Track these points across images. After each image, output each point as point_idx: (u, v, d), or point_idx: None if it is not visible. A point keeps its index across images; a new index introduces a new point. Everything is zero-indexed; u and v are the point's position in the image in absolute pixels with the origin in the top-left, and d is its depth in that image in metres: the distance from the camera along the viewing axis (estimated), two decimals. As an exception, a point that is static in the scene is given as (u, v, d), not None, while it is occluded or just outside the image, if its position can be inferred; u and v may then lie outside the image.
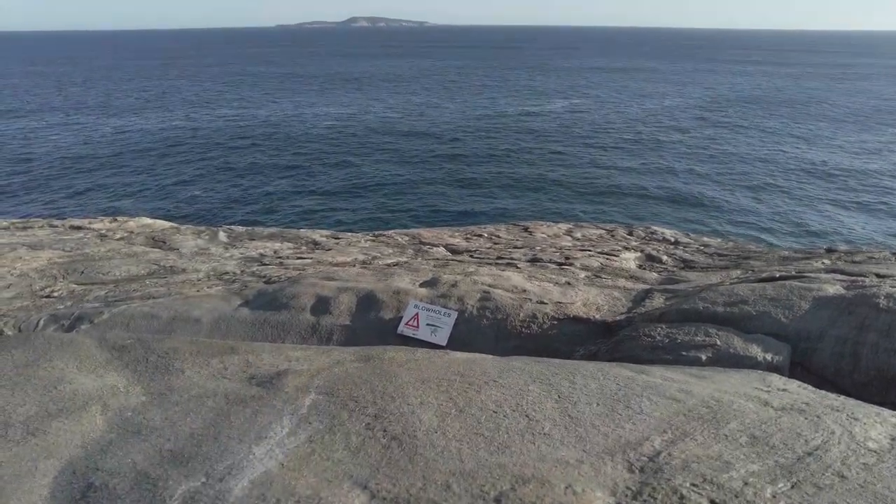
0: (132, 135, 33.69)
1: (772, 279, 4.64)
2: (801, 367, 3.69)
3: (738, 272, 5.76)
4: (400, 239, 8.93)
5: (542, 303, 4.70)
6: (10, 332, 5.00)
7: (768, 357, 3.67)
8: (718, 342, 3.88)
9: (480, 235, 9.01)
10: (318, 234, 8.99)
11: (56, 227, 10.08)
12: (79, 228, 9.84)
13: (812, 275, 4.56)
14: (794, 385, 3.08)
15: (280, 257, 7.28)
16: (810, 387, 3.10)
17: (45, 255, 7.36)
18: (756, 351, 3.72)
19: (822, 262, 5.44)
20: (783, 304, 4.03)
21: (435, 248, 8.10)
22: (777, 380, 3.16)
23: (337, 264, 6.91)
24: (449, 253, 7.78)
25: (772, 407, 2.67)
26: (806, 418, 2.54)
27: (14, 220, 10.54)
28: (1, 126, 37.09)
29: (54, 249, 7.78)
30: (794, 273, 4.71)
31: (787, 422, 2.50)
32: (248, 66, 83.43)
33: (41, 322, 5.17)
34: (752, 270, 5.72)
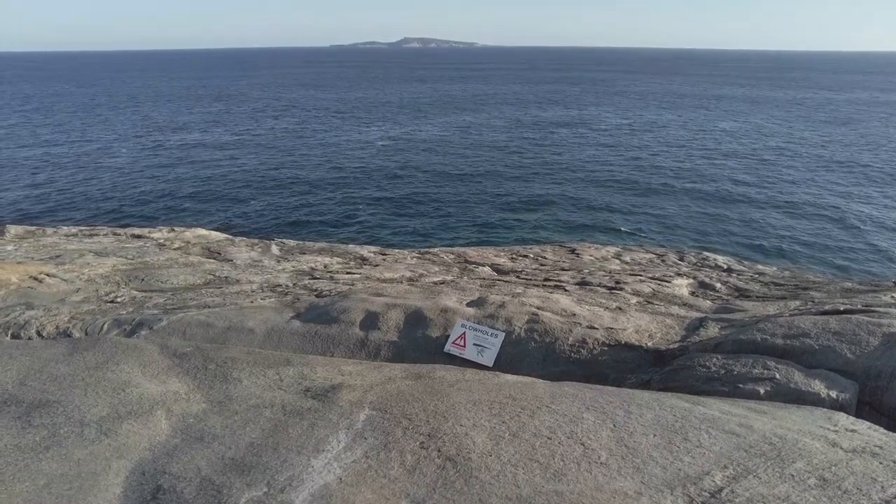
0: (193, 149, 35.26)
1: (836, 312, 4.46)
2: (869, 407, 3.51)
3: (797, 303, 5.55)
4: (445, 257, 8.99)
5: (592, 327, 4.64)
6: (77, 334, 5.28)
7: (833, 394, 3.51)
8: (778, 376, 3.74)
9: (526, 256, 8.98)
10: (366, 250, 9.14)
11: (119, 235, 10.60)
12: (139, 237, 10.32)
13: (881, 309, 4.35)
14: (863, 426, 2.94)
15: (330, 271, 7.43)
16: (881, 429, 2.95)
17: (109, 262, 7.74)
18: (819, 387, 3.57)
19: (893, 297, 5.18)
20: (849, 339, 3.86)
21: (480, 268, 8.12)
22: (844, 419, 3.02)
23: (385, 280, 7.01)
24: (495, 273, 7.78)
25: (841, 448, 2.55)
26: (881, 463, 2.42)
27: (82, 227, 11.15)
28: (76, 137, 39.46)
29: (118, 257, 8.18)
30: (860, 307, 4.50)
31: (859, 465, 2.39)
32: (303, 87, 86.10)
33: (105, 326, 5.43)
34: (813, 302, 5.50)
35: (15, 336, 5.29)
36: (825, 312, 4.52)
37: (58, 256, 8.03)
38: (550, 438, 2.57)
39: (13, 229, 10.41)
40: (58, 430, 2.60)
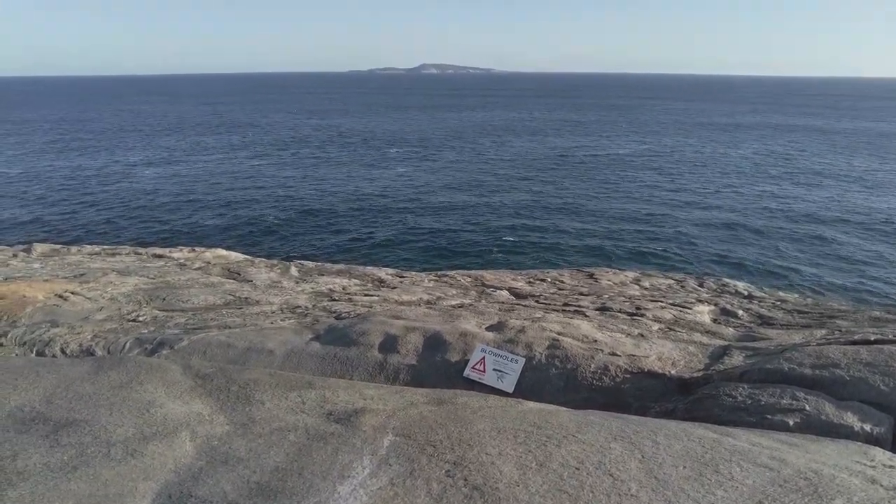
0: (214, 172, 35.93)
1: (866, 342, 4.36)
2: (905, 442, 3.40)
3: (824, 332, 5.44)
4: (463, 280, 8.98)
5: (614, 354, 4.58)
6: (100, 352, 5.33)
7: (867, 427, 3.41)
8: (808, 407, 3.65)
9: (544, 280, 8.94)
10: (384, 272, 9.17)
11: (140, 254, 10.76)
12: (160, 257, 10.46)
13: (913, 340, 4.25)
14: (901, 462, 2.85)
15: (349, 293, 7.46)
16: (920, 465, 2.86)
17: (131, 281, 7.84)
18: (852, 420, 3.47)
19: (922, 327, 5.06)
20: (882, 370, 3.76)
21: (498, 291, 8.09)
22: (881, 454, 2.93)
23: (402, 303, 7.01)
24: (513, 297, 7.75)
25: (881, 486, 2.47)
26: (922, 502, 2.34)
27: (105, 246, 11.33)
28: (102, 160, 40.42)
29: (140, 276, 8.28)
30: (891, 336, 4.40)
31: (900, 503, 2.31)
32: (322, 112, 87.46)
33: (127, 345, 5.48)
34: (840, 331, 5.39)
35: (39, 353, 5.36)
36: (855, 342, 4.42)
37: (82, 275, 8.16)
38: (578, 469, 2.53)
39: (39, 247, 10.62)
40: (85, 450, 2.61)
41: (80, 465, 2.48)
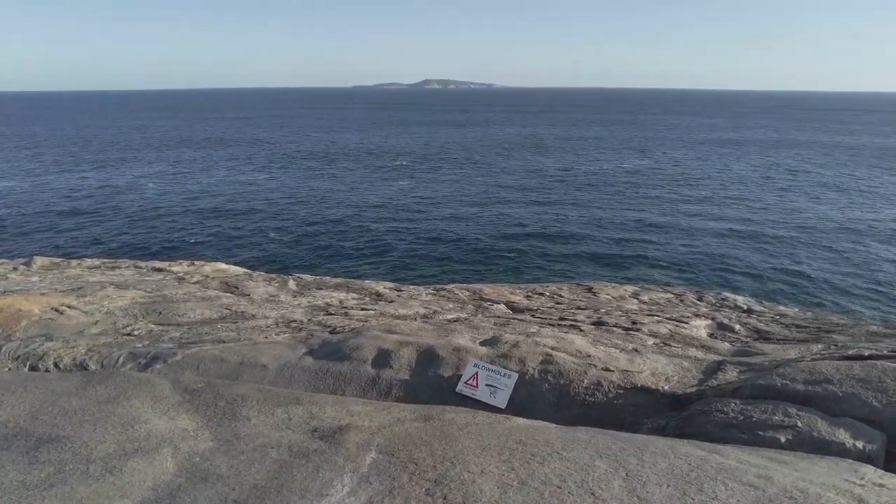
0: (217, 186, 36.16)
1: (860, 357, 4.31)
2: (898, 460, 3.36)
3: (820, 347, 5.39)
4: (461, 294, 8.96)
5: (607, 370, 4.55)
6: (93, 367, 5.33)
7: (859, 445, 3.36)
8: (799, 423, 3.61)
9: (542, 294, 8.91)
10: (382, 286, 9.16)
11: (140, 268, 10.79)
12: (160, 270, 10.48)
13: (907, 356, 4.20)
14: (893, 480, 2.80)
15: (345, 307, 7.45)
16: (911, 484, 2.81)
17: (129, 295, 7.86)
18: (844, 436, 3.43)
19: (919, 342, 5.01)
20: (875, 386, 3.72)
21: (496, 305, 8.06)
22: (872, 472, 2.89)
23: (398, 317, 6.99)
24: (510, 311, 7.72)
25: (867, 505, 2.43)
26: (909, 521, 2.30)
27: (105, 260, 11.37)
28: (106, 174, 40.79)
29: (137, 289, 8.30)
30: (886, 352, 4.36)
31: (886, 524, 2.27)
32: (326, 127, 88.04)
33: (121, 359, 5.48)
34: (836, 346, 5.34)
35: (33, 367, 5.36)
36: (849, 357, 4.38)
37: (80, 288, 8.18)
38: (560, 487, 2.50)
39: (39, 261, 10.66)
40: (64, 467, 2.59)
41: (56, 482, 2.46)
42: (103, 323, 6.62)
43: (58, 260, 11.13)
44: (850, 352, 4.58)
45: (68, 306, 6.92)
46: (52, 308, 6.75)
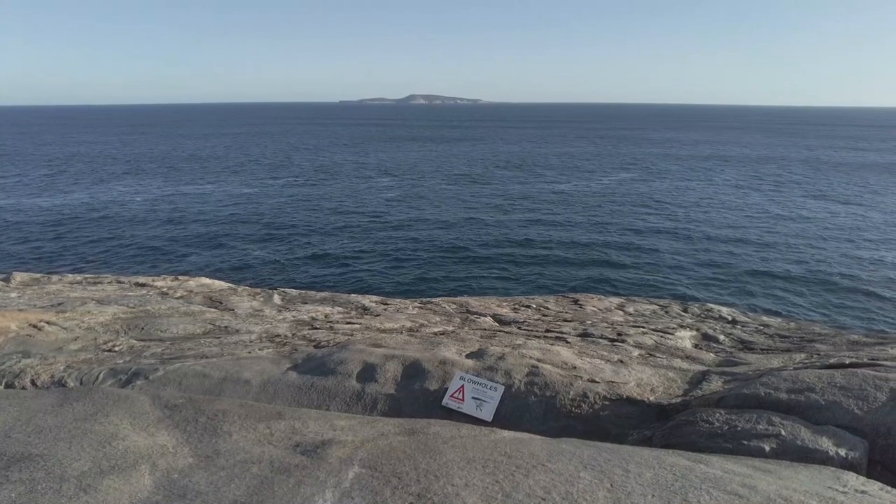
0: (202, 201, 35.94)
1: (841, 366, 4.36)
2: (881, 466, 3.38)
3: (802, 356, 5.44)
4: (447, 307, 8.94)
5: (593, 381, 4.55)
6: (72, 383, 5.21)
7: (842, 452, 3.38)
8: (783, 432, 3.62)
9: (529, 306, 8.92)
10: (368, 300, 9.11)
11: (123, 283, 10.64)
12: (143, 285, 10.35)
13: (888, 363, 4.25)
14: (874, 487, 2.82)
15: (330, 321, 7.39)
16: (894, 490, 2.82)
17: (110, 311, 7.73)
18: (827, 444, 3.44)
19: (899, 350, 5.07)
20: (856, 393, 3.76)
21: (482, 318, 8.05)
22: (854, 479, 2.90)
23: (384, 330, 6.95)
24: (496, 323, 7.71)
25: (849, 512, 2.44)
26: (890, 528, 2.30)
27: (87, 275, 11.21)
28: (90, 189, 40.35)
29: (119, 305, 8.17)
30: (866, 360, 4.41)
31: (868, 530, 2.27)
32: (314, 145, 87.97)
33: (101, 375, 5.37)
34: (818, 355, 5.39)
35: (9, 385, 5.23)
36: (831, 366, 4.42)
37: (60, 304, 8.04)
38: (544, 499, 2.47)
39: (19, 276, 10.48)
40: (35, 486, 2.52)
41: (27, 502, 2.39)
42: (83, 339, 6.50)
43: (38, 275, 10.94)
44: (832, 360, 4.62)
45: (47, 322, 6.79)
46: (29, 324, 6.62)
